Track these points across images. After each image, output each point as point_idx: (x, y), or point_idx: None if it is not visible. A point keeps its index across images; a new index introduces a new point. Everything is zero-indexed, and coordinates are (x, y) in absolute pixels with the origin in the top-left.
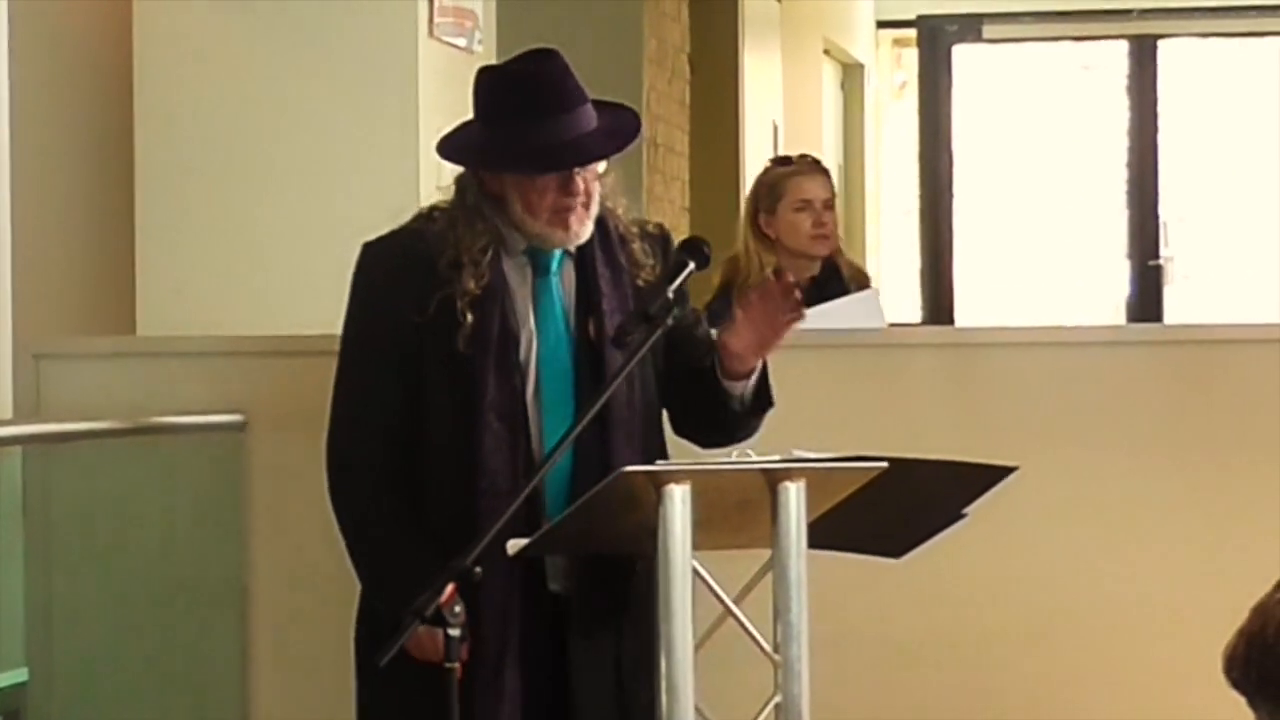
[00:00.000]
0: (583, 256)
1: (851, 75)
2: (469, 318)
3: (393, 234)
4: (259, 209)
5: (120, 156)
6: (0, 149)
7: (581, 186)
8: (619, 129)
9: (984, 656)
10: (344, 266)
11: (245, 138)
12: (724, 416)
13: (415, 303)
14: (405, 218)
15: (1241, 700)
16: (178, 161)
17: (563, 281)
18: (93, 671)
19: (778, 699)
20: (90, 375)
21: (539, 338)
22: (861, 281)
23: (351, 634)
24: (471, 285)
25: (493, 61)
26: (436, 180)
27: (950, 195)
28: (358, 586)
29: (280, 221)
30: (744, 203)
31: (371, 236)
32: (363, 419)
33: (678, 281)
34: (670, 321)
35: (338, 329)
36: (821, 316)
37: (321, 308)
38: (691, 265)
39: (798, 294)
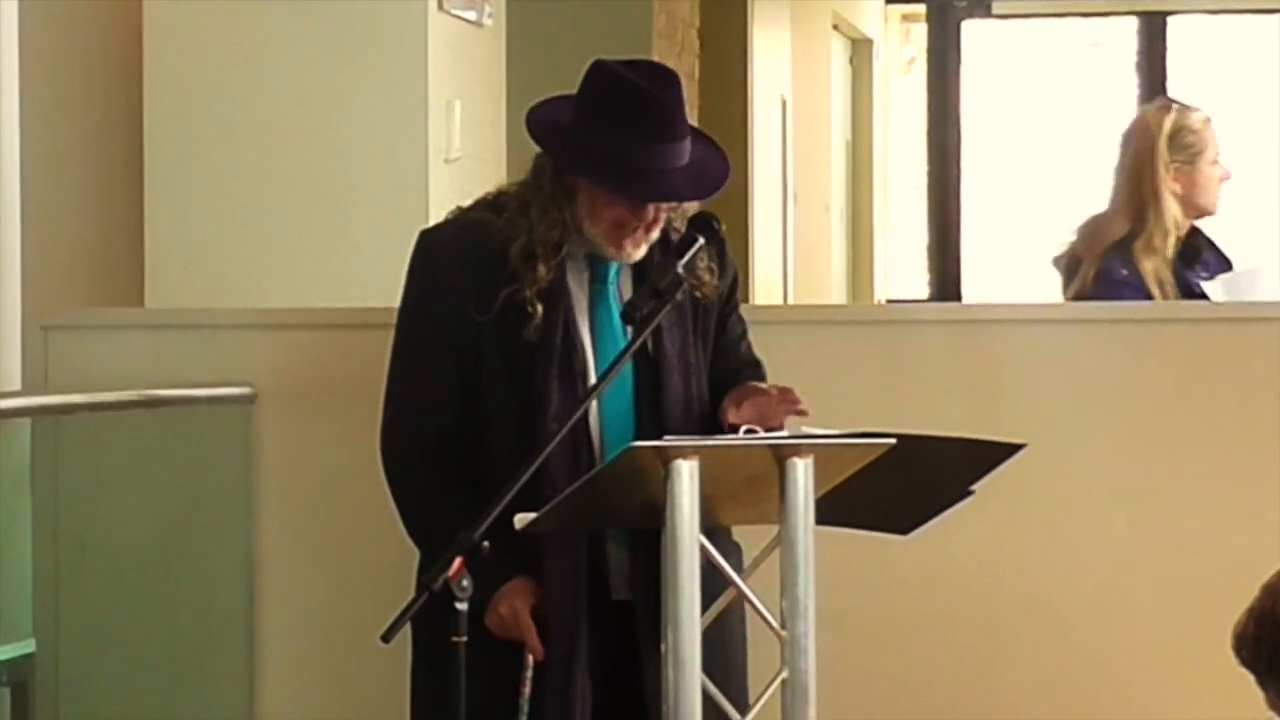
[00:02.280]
0: (640, 267)
1: (860, 50)
2: (539, 309)
3: (453, 223)
4: (268, 182)
5: (129, 128)
6: (10, 121)
7: (650, 215)
8: (706, 175)
9: (990, 632)
10: (353, 239)
11: (254, 110)
12: None
13: (477, 300)
14: (413, 190)
15: (1249, 678)
16: (186, 134)
17: (619, 291)
18: (99, 643)
19: (784, 675)
20: (99, 347)
21: (597, 347)
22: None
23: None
24: (543, 272)
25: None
26: (445, 154)
27: (958, 171)
28: (366, 559)
29: (289, 194)
30: (1143, 146)
31: (429, 225)
32: (418, 417)
33: (688, 257)
34: (679, 296)
35: (345, 302)
36: (1249, 279)
37: (331, 281)
38: (701, 241)
39: (796, 396)
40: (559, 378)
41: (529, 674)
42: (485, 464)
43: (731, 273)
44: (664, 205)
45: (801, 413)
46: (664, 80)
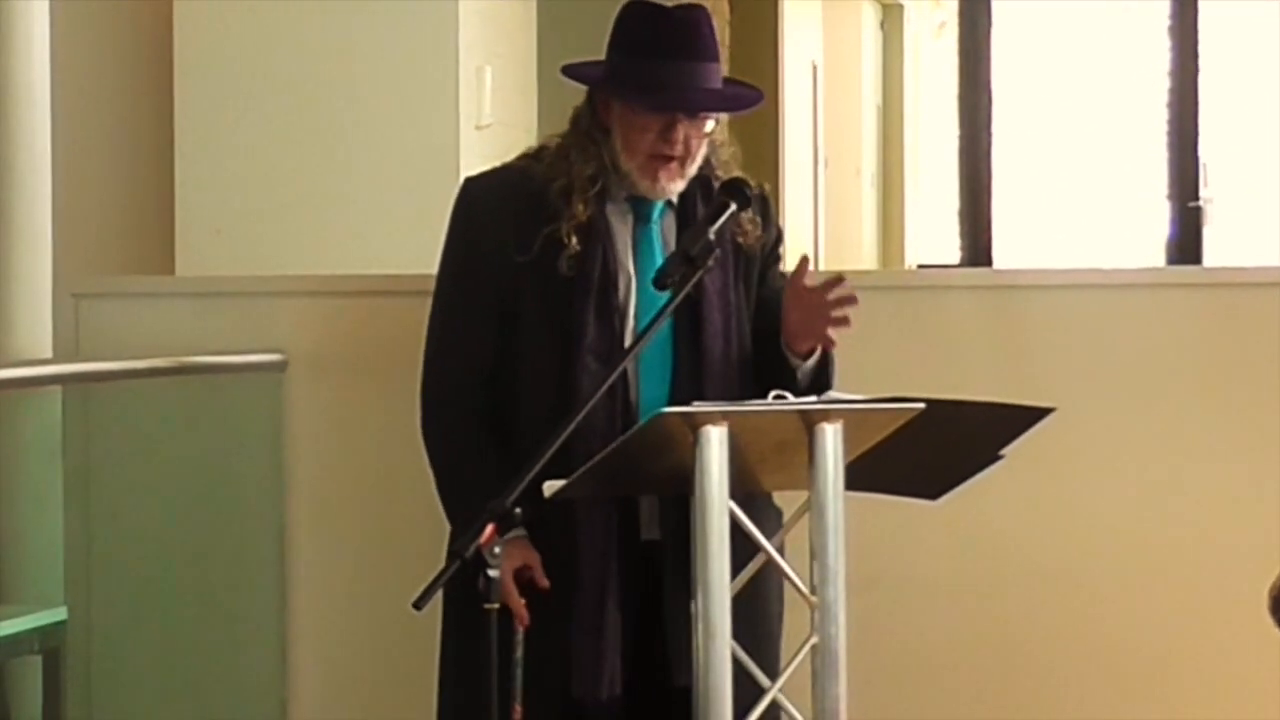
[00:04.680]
0: (684, 208)
1: (891, 15)
2: (573, 241)
3: (496, 170)
4: (298, 149)
5: (159, 96)
6: (40, 89)
7: (680, 137)
8: (736, 97)
9: (1020, 597)
10: (384, 206)
11: (285, 76)
12: (788, 385)
13: (518, 241)
14: (443, 157)
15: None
16: (217, 101)
17: (663, 231)
18: (131, 611)
19: (814, 640)
20: (129, 315)
21: (638, 284)
22: None
23: (397, 574)
24: (580, 209)
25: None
26: (476, 120)
27: (989, 135)
28: (397, 525)
29: (320, 162)
30: None
31: (475, 172)
32: (457, 358)
33: (719, 223)
34: (711, 263)
35: (377, 269)
36: None
37: (362, 247)
38: (733, 206)
39: (847, 297)
40: (596, 311)
41: (519, 638)
42: (521, 408)
43: (776, 230)
44: (695, 135)
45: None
46: (689, 7)
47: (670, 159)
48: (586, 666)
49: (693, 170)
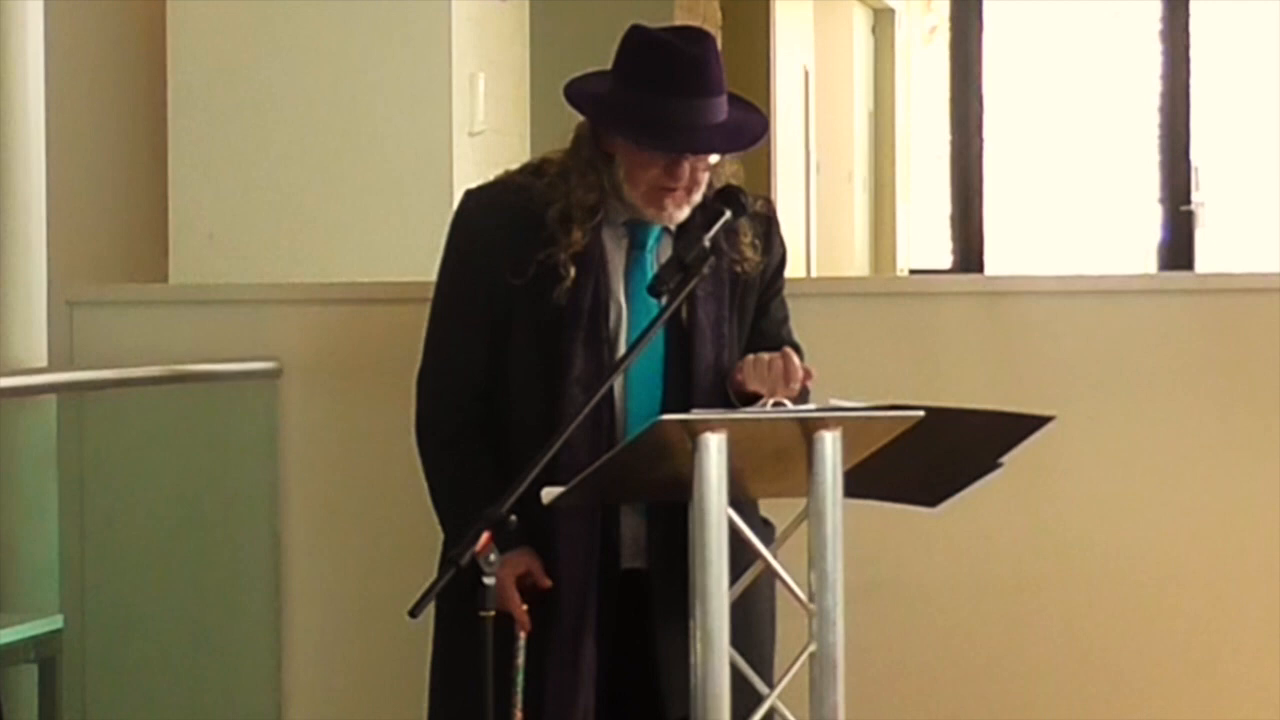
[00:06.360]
0: (681, 233)
1: (882, 20)
2: (571, 272)
3: (497, 184)
4: (292, 156)
5: (153, 103)
6: (35, 96)
7: (686, 172)
8: (742, 130)
9: (1019, 605)
10: (377, 213)
11: (278, 84)
12: None
13: (512, 264)
14: (437, 164)
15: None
16: (210, 108)
17: (657, 258)
18: (126, 619)
19: (813, 648)
20: (124, 323)
21: (629, 312)
22: None
23: (392, 582)
24: (577, 236)
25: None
26: (469, 127)
27: (981, 140)
28: (391, 533)
29: (313, 169)
30: None
31: (475, 185)
32: (450, 372)
33: (714, 230)
34: (706, 270)
35: (370, 276)
36: None
37: (356, 254)
38: (728, 214)
39: (796, 370)
40: (584, 342)
41: (520, 646)
42: (510, 431)
43: (779, 253)
44: (701, 166)
45: (802, 390)
46: (695, 37)
47: (675, 189)
48: (562, 698)
49: (698, 197)
